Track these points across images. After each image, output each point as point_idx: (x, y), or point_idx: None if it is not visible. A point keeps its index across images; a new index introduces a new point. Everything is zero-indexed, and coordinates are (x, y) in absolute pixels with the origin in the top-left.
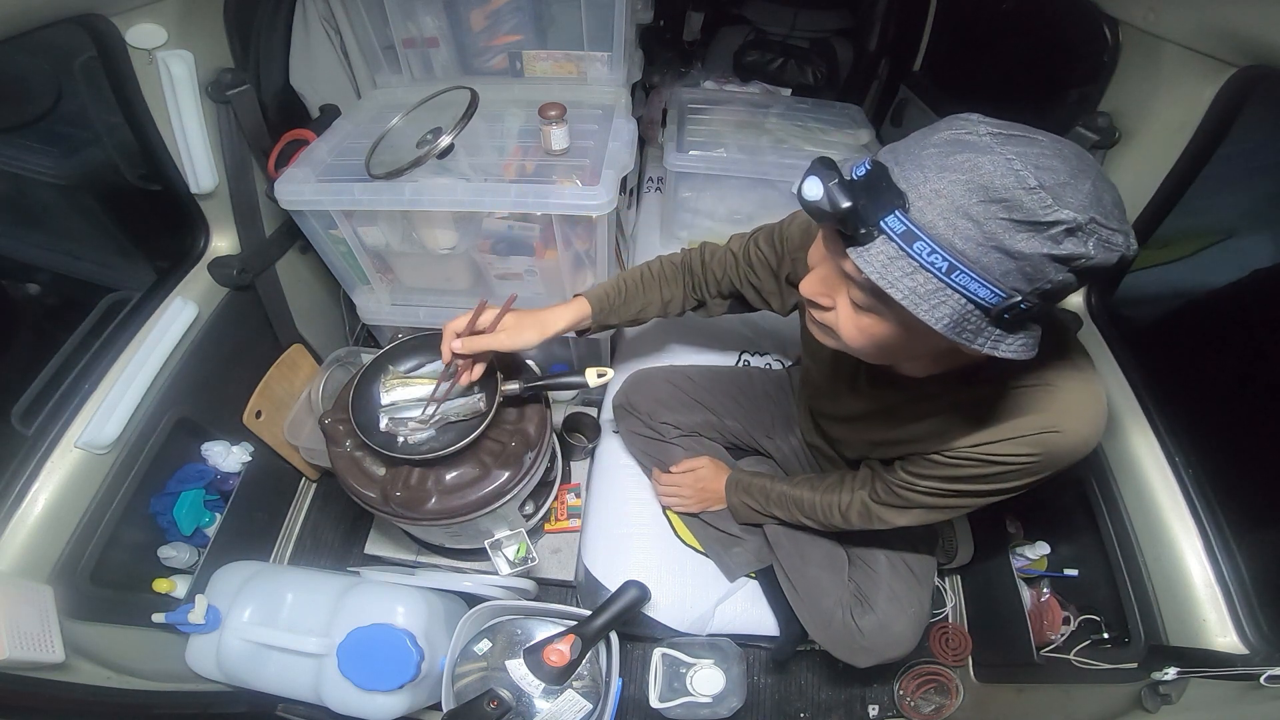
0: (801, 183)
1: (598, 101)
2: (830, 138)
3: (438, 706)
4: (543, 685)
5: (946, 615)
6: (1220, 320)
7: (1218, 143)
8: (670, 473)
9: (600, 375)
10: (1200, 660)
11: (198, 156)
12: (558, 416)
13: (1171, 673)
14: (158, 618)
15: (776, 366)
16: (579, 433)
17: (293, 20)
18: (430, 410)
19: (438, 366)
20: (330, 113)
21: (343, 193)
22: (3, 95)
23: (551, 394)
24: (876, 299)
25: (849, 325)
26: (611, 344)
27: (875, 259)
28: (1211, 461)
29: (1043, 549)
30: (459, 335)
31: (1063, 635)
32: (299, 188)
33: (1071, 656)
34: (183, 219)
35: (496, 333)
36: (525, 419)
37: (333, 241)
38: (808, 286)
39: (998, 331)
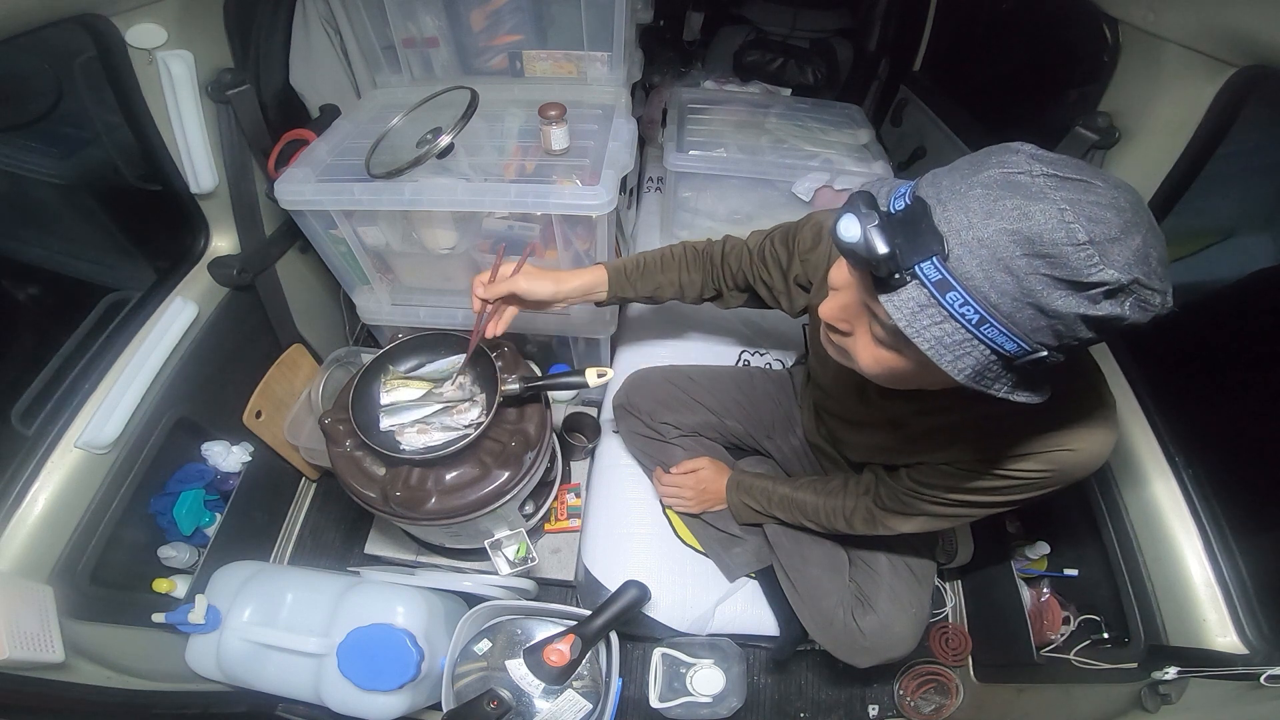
0: (837, 220)
1: (598, 101)
2: (830, 138)
3: (438, 706)
4: (543, 685)
5: (946, 615)
6: (1220, 320)
7: (1218, 143)
8: (671, 473)
9: (600, 375)
10: (1200, 660)
11: (198, 156)
12: (558, 416)
13: (1171, 673)
14: (158, 618)
15: (777, 366)
16: (579, 433)
17: (293, 20)
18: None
19: (438, 366)
20: (330, 113)
21: (343, 193)
22: (3, 95)
23: (551, 394)
24: (899, 339)
25: (866, 355)
26: (611, 344)
27: (905, 305)
28: (1211, 462)
29: (1043, 549)
30: (484, 284)
31: (1063, 635)
32: (299, 188)
33: (1071, 656)
34: (183, 219)
35: (515, 277)
36: (525, 419)
37: (333, 241)
38: (827, 311)
39: (1015, 378)
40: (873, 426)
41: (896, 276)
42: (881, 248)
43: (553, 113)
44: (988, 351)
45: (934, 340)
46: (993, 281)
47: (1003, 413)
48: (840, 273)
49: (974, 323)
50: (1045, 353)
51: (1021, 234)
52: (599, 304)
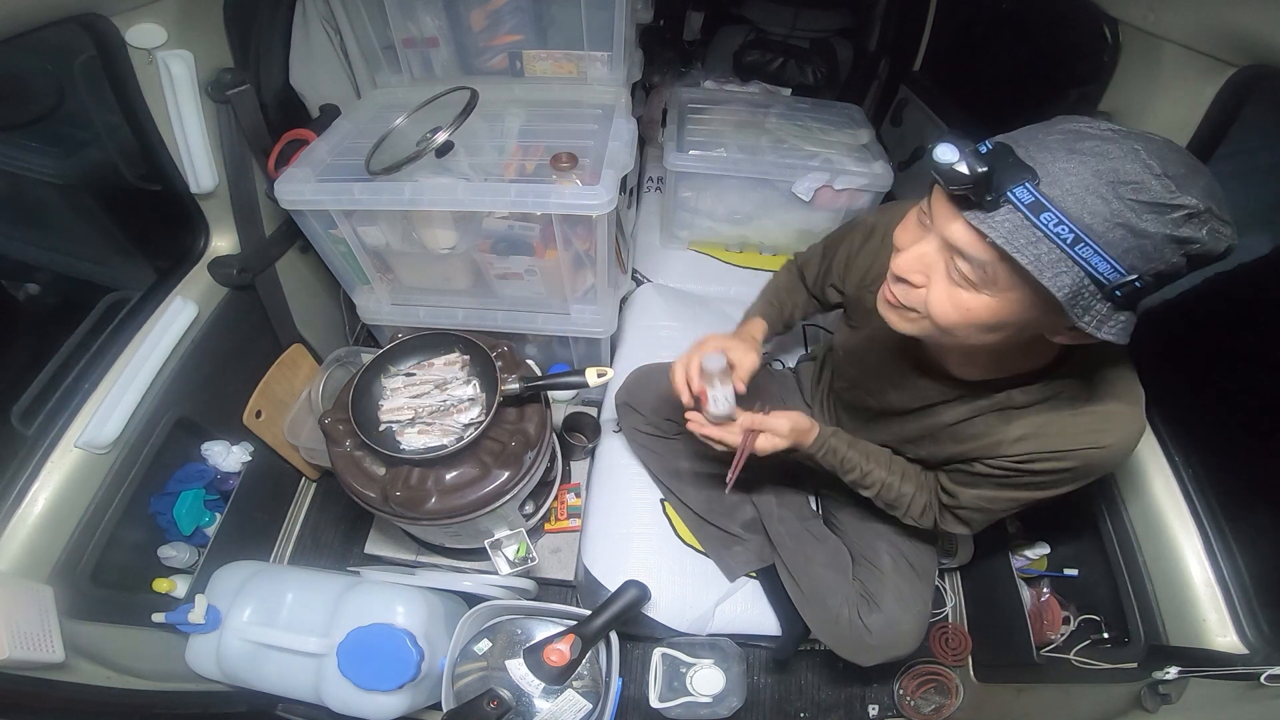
0: (934, 147)
1: (598, 101)
2: (830, 138)
3: (438, 706)
4: (543, 685)
5: (946, 615)
6: (1220, 320)
7: (1218, 143)
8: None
9: (600, 375)
10: (1200, 660)
11: (198, 156)
12: (558, 416)
13: (1171, 672)
14: (158, 618)
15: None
16: (579, 433)
17: (293, 20)
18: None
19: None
20: (330, 112)
21: (342, 192)
22: (5, 95)
23: (551, 394)
24: (986, 272)
25: (943, 302)
26: (611, 343)
27: (1001, 226)
28: (1211, 461)
29: (1043, 549)
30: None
31: (1063, 635)
32: (299, 187)
33: (1071, 656)
34: (183, 219)
35: (767, 420)
36: (525, 419)
37: (333, 241)
38: (903, 263)
39: (1105, 308)
40: (906, 415)
41: (989, 199)
42: (980, 165)
43: (564, 164)
44: (1082, 273)
45: (1033, 257)
46: (1084, 205)
47: (1036, 407)
48: (909, 231)
49: (1069, 242)
50: (1136, 276)
51: (1104, 167)
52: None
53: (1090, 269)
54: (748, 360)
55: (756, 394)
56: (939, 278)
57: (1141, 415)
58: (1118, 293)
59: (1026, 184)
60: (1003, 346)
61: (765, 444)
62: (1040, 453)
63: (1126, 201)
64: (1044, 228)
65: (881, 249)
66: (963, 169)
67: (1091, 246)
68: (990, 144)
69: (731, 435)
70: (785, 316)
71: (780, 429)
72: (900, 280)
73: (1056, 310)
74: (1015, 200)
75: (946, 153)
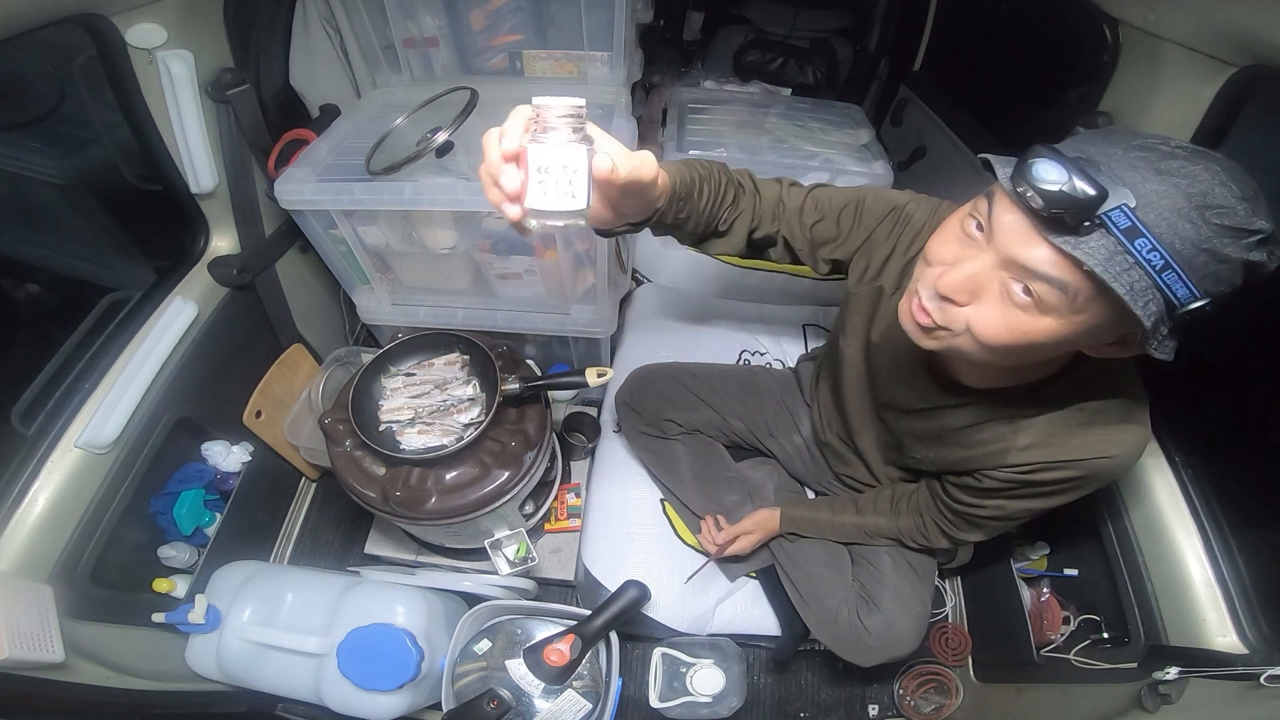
0: (1032, 164)
1: (598, 101)
2: (830, 138)
3: (438, 706)
4: (543, 685)
5: (946, 615)
6: (1219, 319)
7: (1218, 143)
8: (727, 529)
9: (600, 375)
10: (1200, 660)
11: (198, 156)
12: (558, 416)
13: (1171, 672)
14: (158, 617)
15: (778, 366)
16: (579, 433)
17: (293, 20)
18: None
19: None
20: (330, 112)
21: (343, 192)
22: (5, 95)
23: (551, 394)
24: (1067, 296)
25: (995, 324)
26: (611, 343)
27: (1097, 252)
28: (1211, 461)
29: (1043, 549)
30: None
31: (1063, 635)
32: (299, 187)
33: (1071, 656)
34: (183, 219)
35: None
36: (525, 419)
37: (333, 241)
38: (951, 284)
39: (1167, 330)
40: (914, 415)
41: (1086, 224)
42: (1090, 189)
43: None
44: (1162, 299)
45: (1128, 285)
46: (1176, 230)
47: (1044, 416)
48: (949, 245)
49: (1158, 269)
50: (1207, 301)
51: (1193, 190)
52: (603, 231)
53: (1171, 294)
54: (640, 157)
55: (755, 395)
56: (990, 297)
57: (1147, 423)
58: (1186, 317)
59: (1124, 206)
60: (1034, 360)
61: (743, 544)
62: (1047, 462)
63: (1213, 226)
64: (1137, 254)
65: (910, 248)
66: (1072, 191)
67: (1177, 273)
68: (1072, 158)
69: (709, 545)
70: (681, 214)
71: (746, 529)
72: (941, 299)
73: (1127, 333)
74: (1111, 224)
75: (1051, 170)
